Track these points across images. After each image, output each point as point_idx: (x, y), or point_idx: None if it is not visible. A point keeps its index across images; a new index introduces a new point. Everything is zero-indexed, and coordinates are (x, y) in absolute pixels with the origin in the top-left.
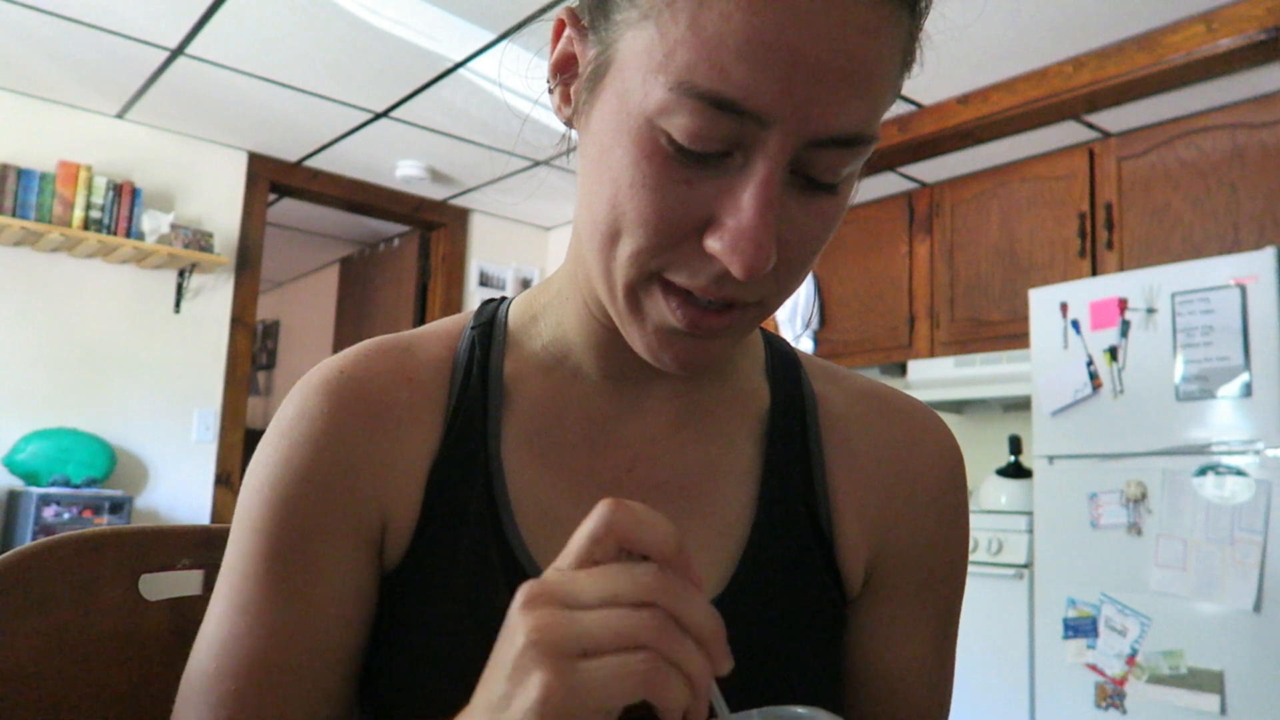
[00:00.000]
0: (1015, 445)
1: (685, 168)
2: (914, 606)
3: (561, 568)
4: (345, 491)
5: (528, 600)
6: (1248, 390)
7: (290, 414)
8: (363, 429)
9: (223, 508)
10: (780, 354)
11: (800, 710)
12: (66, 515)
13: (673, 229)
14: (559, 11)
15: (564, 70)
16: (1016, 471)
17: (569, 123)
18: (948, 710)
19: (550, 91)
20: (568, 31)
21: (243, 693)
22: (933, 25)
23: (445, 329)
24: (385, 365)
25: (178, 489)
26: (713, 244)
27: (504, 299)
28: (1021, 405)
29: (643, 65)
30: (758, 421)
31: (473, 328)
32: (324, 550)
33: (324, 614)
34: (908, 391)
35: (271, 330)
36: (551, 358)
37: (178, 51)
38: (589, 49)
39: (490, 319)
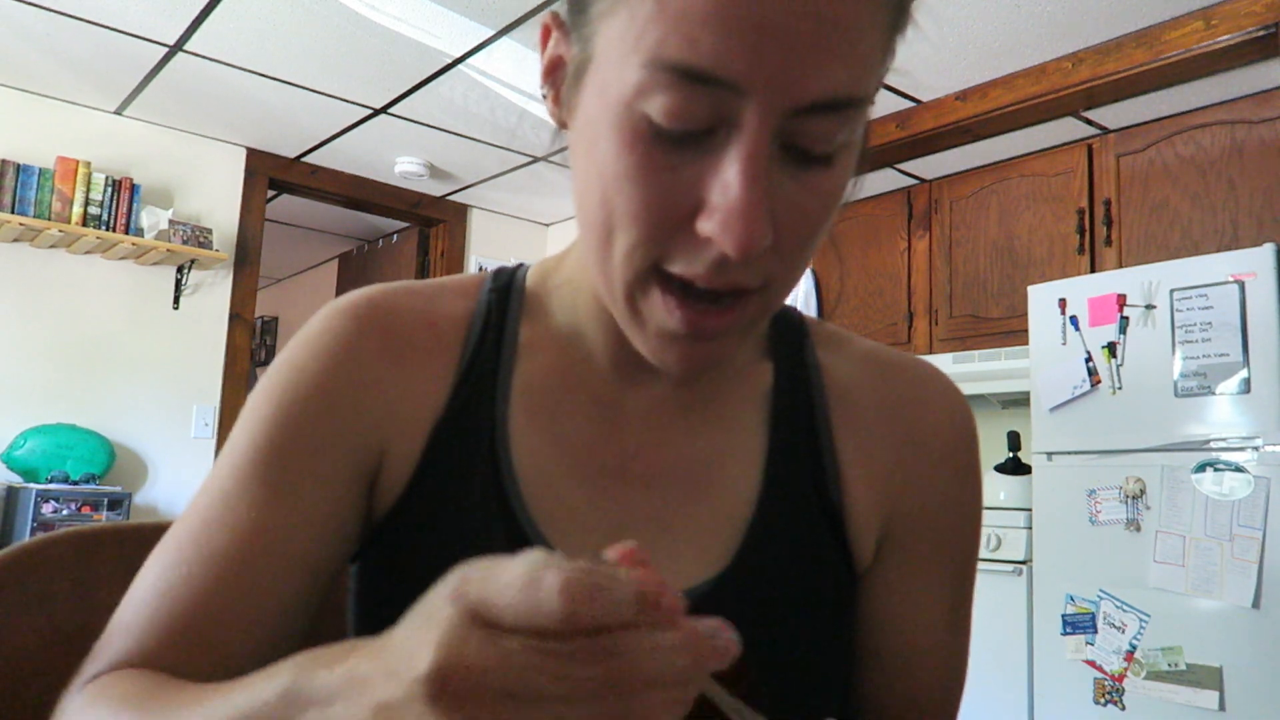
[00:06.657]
0: (1014, 441)
1: (669, 152)
2: (928, 570)
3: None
4: (351, 409)
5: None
6: (1246, 386)
7: (314, 329)
8: (382, 355)
9: None
10: (784, 323)
11: None
12: (65, 511)
13: (663, 218)
14: (544, 16)
15: (554, 73)
16: (1015, 468)
17: (563, 125)
18: (963, 682)
19: (544, 97)
20: (554, 35)
21: (196, 579)
22: (932, 22)
23: (463, 284)
24: (412, 304)
25: (177, 485)
26: (704, 226)
27: (520, 265)
28: (1020, 401)
29: (618, 52)
30: (761, 400)
31: (490, 290)
32: (317, 459)
33: (300, 521)
34: None
35: (270, 326)
36: (564, 337)
37: (176, 47)
38: (572, 48)
39: (508, 284)
